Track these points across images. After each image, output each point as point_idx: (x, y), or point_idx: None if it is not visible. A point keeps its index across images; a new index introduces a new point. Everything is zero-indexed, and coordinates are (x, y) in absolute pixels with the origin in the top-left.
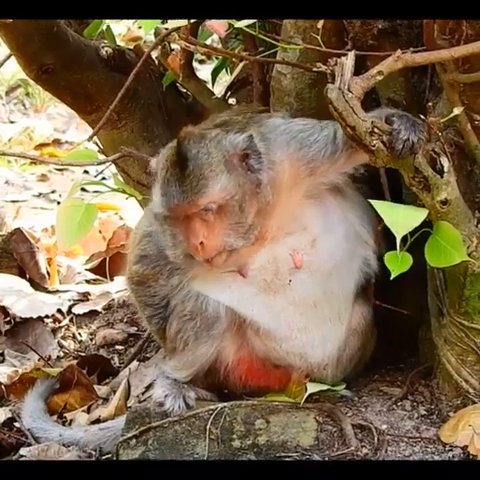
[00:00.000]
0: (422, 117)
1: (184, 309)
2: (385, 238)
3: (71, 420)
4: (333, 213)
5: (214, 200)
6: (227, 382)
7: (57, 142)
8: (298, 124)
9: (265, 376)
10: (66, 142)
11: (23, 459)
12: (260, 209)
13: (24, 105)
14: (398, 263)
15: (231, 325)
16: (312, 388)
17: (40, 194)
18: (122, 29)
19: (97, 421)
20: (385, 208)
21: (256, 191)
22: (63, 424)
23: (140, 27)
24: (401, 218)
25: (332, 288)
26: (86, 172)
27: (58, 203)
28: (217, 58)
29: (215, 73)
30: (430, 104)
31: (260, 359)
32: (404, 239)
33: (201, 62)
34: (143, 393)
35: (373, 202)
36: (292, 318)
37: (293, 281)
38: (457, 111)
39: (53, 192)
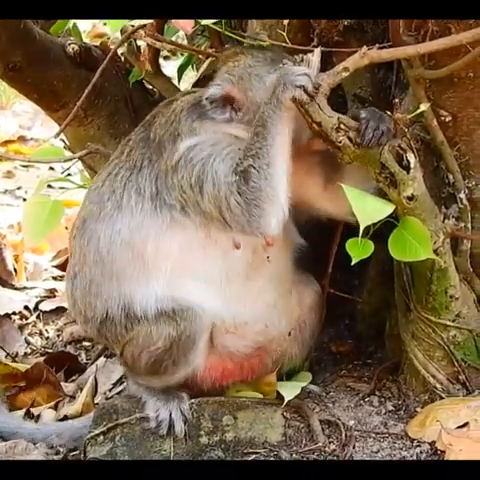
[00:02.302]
0: (388, 113)
1: (158, 340)
2: None
3: (38, 417)
4: None
5: None
6: (200, 386)
7: (22, 139)
8: None
9: (236, 371)
10: (31, 139)
11: None
12: None
13: None
14: (359, 249)
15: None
16: (284, 390)
17: (6, 191)
18: (87, 26)
19: (64, 418)
20: (355, 195)
21: None
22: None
23: (105, 24)
24: (369, 208)
25: (288, 262)
26: (52, 169)
27: (24, 200)
28: (182, 54)
29: (181, 70)
30: (397, 100)
31: (228, 356)
32: (368, 227)
33: (166, 58)
34: (110, 390)
35: (344, 187)
36: (268, 296)
37: (270, 257)
38: (424, 107)
39: (19, 189)
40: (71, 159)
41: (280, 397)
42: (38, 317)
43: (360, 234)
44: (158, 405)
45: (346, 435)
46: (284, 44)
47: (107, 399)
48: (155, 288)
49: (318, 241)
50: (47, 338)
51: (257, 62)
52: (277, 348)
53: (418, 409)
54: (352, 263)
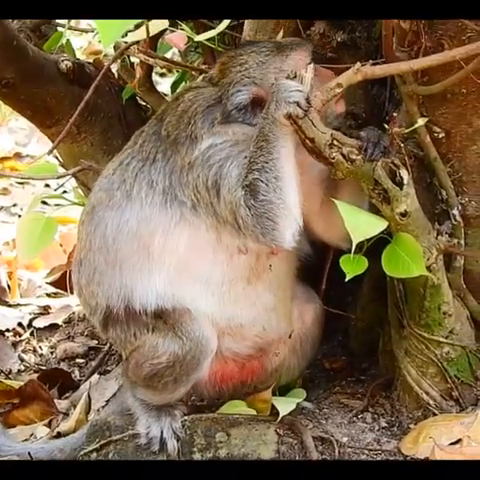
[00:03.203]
0: (386, 127)
1: (162, 355)
2: None
3: (31, 435)
4: None
5: None
6: (200, 389)
7: (18, 156)
8: None
9: (236, 373)
10: (27, 156)
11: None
12: None
13: None
14: (353, 266)
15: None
16: (279, 405)
17: (1, 208)
18: (83, 42)
19: (58, 435)
20: (348, 211)
21: None
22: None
23: (100, 41)
24: (361, 224)
25: (290, 270)
26: (47, 186)
27: (19, 216)
28: (177, 71)
29: (175, 86)
30: (394, 114)
31: (228, 357)
32: (361, 243)
33: (162, 75)
34: (104, 407)
35: (337, 202)
36: (266, 300)
37: (272, 265)
38: (421, 122)
39: (14, 205)
40: (64, 176)
41: (273, 413)
42: (32, 334)
43: (353, 250)
44: (150, 422)
45: (339, 452)
46: None
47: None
48: (156, 283)
49: (311, 257)
50: (41, 355)
51: (266, 56)
52: (277, 351)
53: (411, 426)
54: (346, 279)
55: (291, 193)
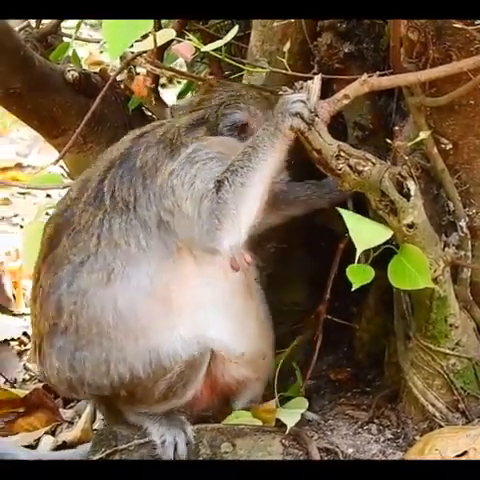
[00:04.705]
0: (389, 141)
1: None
2: None
3: (36, 443)
4: None
5: None
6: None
7: (19, 166)
8: None
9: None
10: (28, 166)
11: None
12: None
13: None
14: (360, 275)
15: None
16: (284, 417)
17: (2, 218)
18: (84, 53)
19: (63, 444)
20: (352, 219)
21: None
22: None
23: (102, 52)
24: (366, 233)
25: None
26: (49, 196)
27: (21, 227)
28: (179, 82)
29: (181, 97)
30: (397, 128)
31: (213, 375)
32: (367, 253)
33: (163, 86)
34: None
35: (342, 211)
36: (254, 315)
37: (255, 277)
38: (424, 135)
39: (15, 216)
40: (69, 186)
41: (278, 424)
42: None
43: (356, 259)
44: (162, 430)
45: None
46: (284, 71)
47: (105, 425)
48: (180, 331)
49: (316, 267)
50: None
51: (242, 88)
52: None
53: (417, 437)
54: (352, 289)
55: (248, 205)
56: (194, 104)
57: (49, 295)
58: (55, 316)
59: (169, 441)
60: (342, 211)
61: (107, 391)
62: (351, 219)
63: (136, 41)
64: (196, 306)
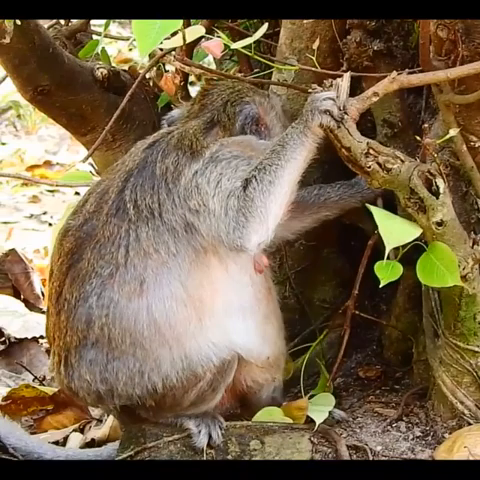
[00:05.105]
0: (418, 138)
1: (204, 376)
2: None
3: (65, 440)
4: None
5: None
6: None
7: (48, 164)
8: None
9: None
10: (57, 164)
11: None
12: None
13: (15, 127)
14: (388, 272)
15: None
16: (313, 414)
17: (31, 215)
18: (113, 51)
19: (91, 442)
20: (382, 217)
21: None
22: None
23: (131, 49)
24: (396, 230)
25: None
26: (77, 194)
27: (49, 224)
28: None
29: None
30: (426, 126)
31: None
32: (396, 250)
33: (191, 84)
34: None
35: (371, 208)
36: (275, 318)
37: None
38: (453, 132)
39: (44, 213)
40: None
41: (307, 421)
42: None
43: (385, 256)
44: (197, 421)
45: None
46: (313, 69)
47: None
48: (211, 337)
49: (345, 265)
50: None
51: (236, 83)
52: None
53: (446, 435)
54: (380, 285)
55: (276, 202)
56: (195, 110)
57: (77, 308)
58: (84, 329)
59: (204, 430)
60: (372, 208)
61: (137, 401)
62: (381, 216)
63: (165, 38)
64: (225, 311)
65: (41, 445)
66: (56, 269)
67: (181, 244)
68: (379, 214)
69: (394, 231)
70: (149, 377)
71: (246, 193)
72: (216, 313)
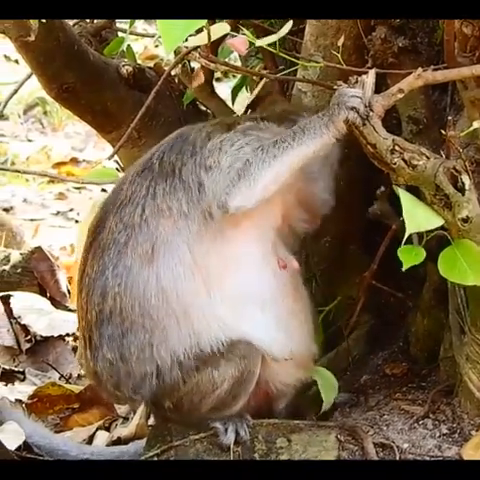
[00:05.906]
0: (443, 132)
1: (222, 383)
2: None
3: (91, 438)
4: None
5: None
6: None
7: (75, 161)
8: None
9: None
10: (83, 161)
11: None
12: None
13: (42, 124)
14: (410, 256)
15: None
16: (323, 390)
17: (58, 212)
18: (139, 47)
19: (118, 440)
20: (408, 201)
21: None
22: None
23: (157, 46)
24: (419, 216)
25: None
26: (104, 190)
27: (76, 221)
28: (234, 76)
29: (235, 91)
30: (450, 118)
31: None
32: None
33: (217, 80)
34: None
35: (400, 190)
36: (302, 318)
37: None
38: (477, 124)
39: (71, 210)
40: None
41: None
42: None
43: (404, 240)
44: (224, 419)
45: (400, 458)
46: (338, 66)
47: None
48: (222, 315)
49: (371, 262)
50: None
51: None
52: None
53: (473, 432)
54: (403, 269)
55: (270, 176)
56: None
57: (95, 282)
58: (100, 302)
59: (231, 427)
60: (400, 190)
61: (150, 386)
62: (407, 200)
63: (190, 35)
64: (240, 295)
65: (65, 443)
66: (83, 248)
67: (192, 204)
68: (406, 197)
69: (417, 216)
70: (158, 350)
71: (249, 158)
72: (227, 292)
